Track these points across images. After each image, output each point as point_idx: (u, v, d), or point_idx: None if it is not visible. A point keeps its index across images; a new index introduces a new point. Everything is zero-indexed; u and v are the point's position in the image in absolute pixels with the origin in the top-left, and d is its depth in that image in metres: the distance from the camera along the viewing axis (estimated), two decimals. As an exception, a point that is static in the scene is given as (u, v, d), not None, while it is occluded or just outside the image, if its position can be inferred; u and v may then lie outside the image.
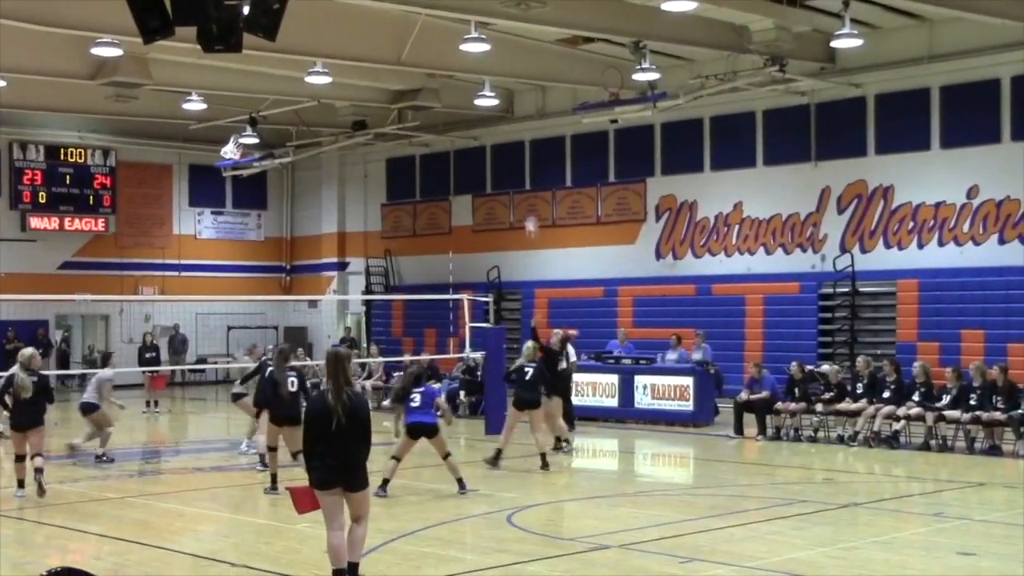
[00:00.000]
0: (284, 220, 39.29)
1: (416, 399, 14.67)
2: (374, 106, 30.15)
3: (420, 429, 14.61)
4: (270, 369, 15.49)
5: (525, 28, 23.34)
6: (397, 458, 14.75)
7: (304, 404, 13.97)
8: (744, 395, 21.41)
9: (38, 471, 14.67)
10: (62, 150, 34.51)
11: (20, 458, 14.97)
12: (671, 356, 23.97)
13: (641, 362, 23.91)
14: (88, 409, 18.27)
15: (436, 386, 17.20)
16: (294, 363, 16.02)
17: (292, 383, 14.98)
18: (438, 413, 15.04)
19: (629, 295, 29.41)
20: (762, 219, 27.54)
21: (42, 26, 20.77)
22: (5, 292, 31.41)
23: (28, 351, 15.35)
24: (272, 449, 15.15)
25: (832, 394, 20.53)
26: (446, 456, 14.78)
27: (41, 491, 14.59)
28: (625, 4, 21.78)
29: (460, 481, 14.73)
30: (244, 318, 36.48)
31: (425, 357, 24.21)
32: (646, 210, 29.70)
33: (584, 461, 19.80)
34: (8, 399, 14.90)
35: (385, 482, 14.37)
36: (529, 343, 18.63)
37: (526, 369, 17.49)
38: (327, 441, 9.08)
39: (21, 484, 14.94)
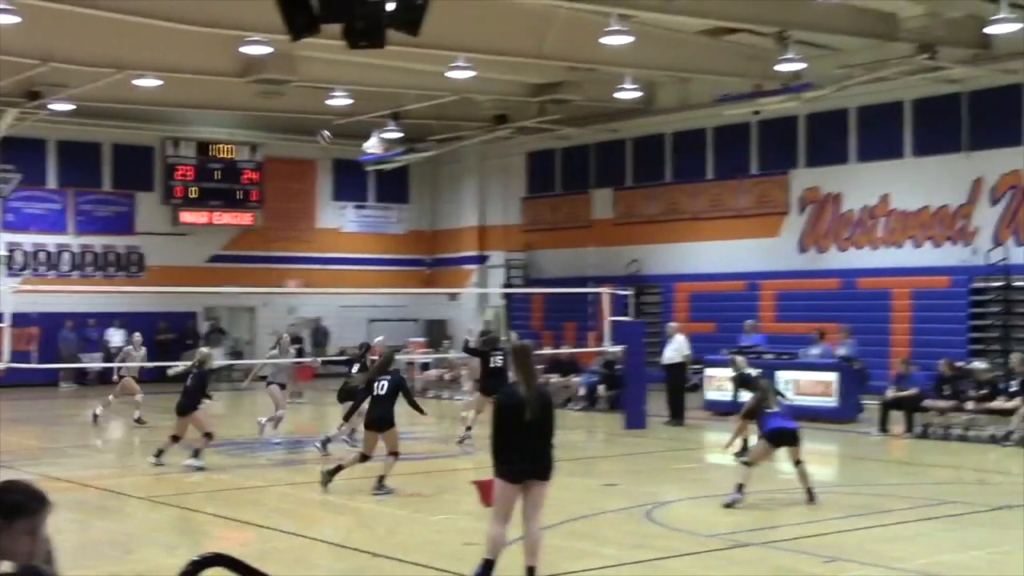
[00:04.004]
0: (426, 214, 39.67)
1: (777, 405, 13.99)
2: (515, 100, 30.25)
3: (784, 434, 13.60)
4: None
5: (667, 20, 23.14)
6: (752, 464, 13.64)
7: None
8: (891, 392, 20.92)
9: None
10: (211, 147, 35.40)
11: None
12: (814, 351, 23.56)
13: (783, 357, 23.53)
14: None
15: None
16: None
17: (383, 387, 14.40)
18: None
19: (771, 289, 28.99)
20: (910, 211, 26.88)
21: (194, 26, 21.34)
22: (157, 284, 32.43)
23: (207, 350, 18.14)
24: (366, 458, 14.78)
25: (984, 392, 19.92)
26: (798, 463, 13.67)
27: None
28: (769, -6, 21.47)
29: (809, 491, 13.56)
30: (386, 311, 36.90)
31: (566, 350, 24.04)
32: (789, 203, 29.23)
33: (725, 457, 19.55)
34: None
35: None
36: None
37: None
38: (521, 433, 9.03)
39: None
